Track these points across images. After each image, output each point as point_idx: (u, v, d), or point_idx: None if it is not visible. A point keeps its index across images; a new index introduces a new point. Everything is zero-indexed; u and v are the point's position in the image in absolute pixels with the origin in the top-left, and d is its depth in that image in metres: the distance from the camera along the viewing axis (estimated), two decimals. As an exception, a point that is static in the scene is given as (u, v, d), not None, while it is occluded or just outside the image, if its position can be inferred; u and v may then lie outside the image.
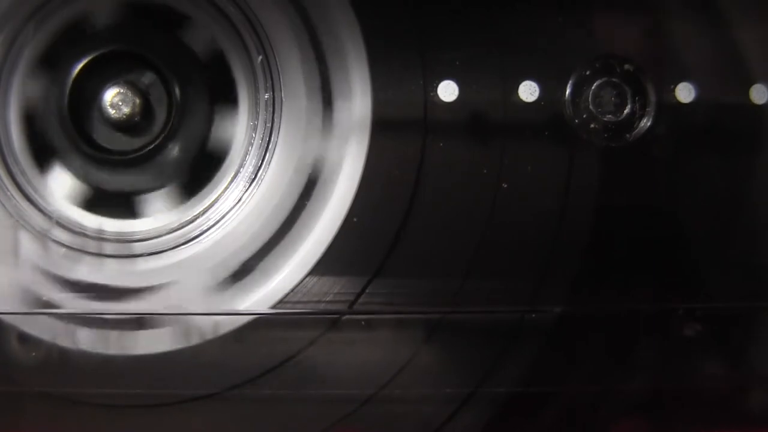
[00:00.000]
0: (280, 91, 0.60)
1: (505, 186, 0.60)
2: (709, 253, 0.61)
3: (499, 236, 0.60)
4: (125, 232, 0.61)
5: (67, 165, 0.61)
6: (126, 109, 0.60)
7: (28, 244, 0.59)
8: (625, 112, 0.60)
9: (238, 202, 0.61)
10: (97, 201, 0.61)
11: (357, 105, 0.59)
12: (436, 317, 0.60)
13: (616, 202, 0.60)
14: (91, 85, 0.60)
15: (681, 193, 0.61)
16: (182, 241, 0.60)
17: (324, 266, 0.59)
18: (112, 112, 0.60)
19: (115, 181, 0.62)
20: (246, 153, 0.61)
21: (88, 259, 0.60)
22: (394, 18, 0.59)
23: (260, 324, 0.59)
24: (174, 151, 0.62)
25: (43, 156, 0.61)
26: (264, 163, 0.60)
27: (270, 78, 0.60)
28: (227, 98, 0.62)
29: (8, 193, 0.60)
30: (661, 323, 0.61)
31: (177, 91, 0.61)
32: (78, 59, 0.60)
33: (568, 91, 0.60)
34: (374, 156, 0.59)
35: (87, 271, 0.59)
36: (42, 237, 0.59)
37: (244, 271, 0.60)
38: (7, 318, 0.58)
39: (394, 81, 0.59)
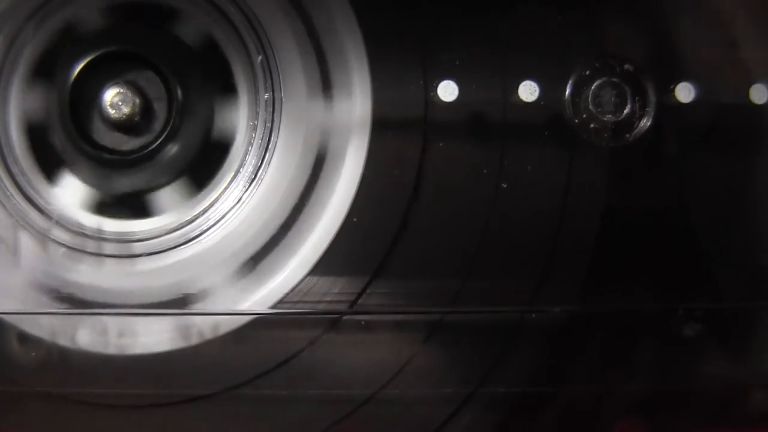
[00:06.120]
0: (280, 91, 0.60)
1: (505, 186, 0.60)
2: (709, 253, 0.61)
3: (499, 236, 0.60)
4: (125, 232, 0.61)
5: (67, 165, 0.61)
6: (126, 109, 0.60)
7: (28, 244, 0.59)
8: (625, 112, 0.60)
9: (238, 202, 0.61)
10: (96, 201, 0.61)
11: (357, 105, 0.59)
12: (436, 317, 0.59)
13: (616, 202, 0.60)
14: (91, 85, 0.60)
15: (681, 192, 0.61)
16: (182, 241, 0.60)
17: (324, 266, 0.59)
18: (112, 112, 0.60)
19: (114, 181, 0.62)
20: (246, 153, 0.61)
21: (87, 258, 0.60)
22: (394, 18, 0.59)
23: (260, 324, 0.59)
24: (174, 150, 0.62)
25: (43, 156, 0.61)
26: (264, 163, 0.60)
27: (270, 78, 0.60)
28: (227, 98, 0.62)
29: (8, 193, 0.60)
30: (662, 323, 0.60)
31: (178, 91, 0.61)
32: (78, 59, 0.60)
33: (567, 91, 0.60)
34: (374, 156, 0.59)
35: (86, 271, 0.59)
36: (42, 237, 0.59)
37: (243, 271, 0.60)
38: (7, 318, 0.58)
39: (394, 81, 0.59)
